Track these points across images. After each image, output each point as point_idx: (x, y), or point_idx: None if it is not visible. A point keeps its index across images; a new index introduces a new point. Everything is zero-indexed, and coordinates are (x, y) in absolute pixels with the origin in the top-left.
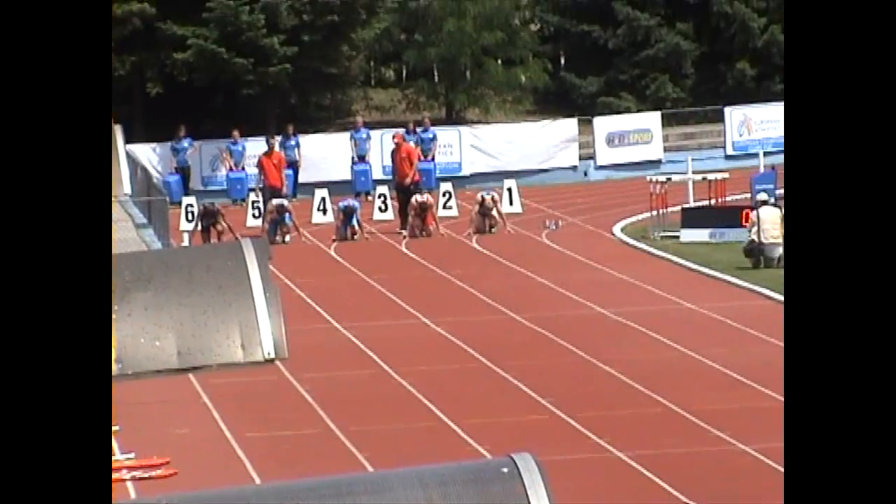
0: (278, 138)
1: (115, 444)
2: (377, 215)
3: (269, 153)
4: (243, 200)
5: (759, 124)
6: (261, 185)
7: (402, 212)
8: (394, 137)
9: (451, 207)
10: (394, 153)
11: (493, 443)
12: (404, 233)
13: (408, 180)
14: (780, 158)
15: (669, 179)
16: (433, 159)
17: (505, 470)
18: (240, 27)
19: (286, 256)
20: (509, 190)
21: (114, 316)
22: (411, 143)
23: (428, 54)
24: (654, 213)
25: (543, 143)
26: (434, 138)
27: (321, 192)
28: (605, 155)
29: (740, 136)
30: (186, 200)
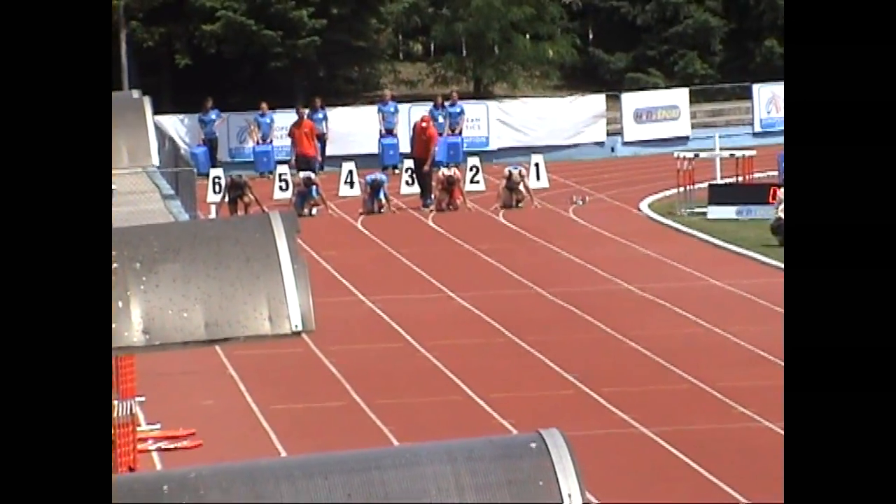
0: (307, 110)
1: (141, 415)
2: (404, 189)
3: (300, 123)
4: (270, 173)
5: None
6: (294, 158)
7: (421, 184)
8: (422, 120)
9: (478, 182)
10: (416, 129)
11: (518, 417)
12: (431, 207)
13: (423, 158)
14: None
15: (697, 156)
16: (460, 134)
17: (533, 445)
18: None
19: (313, 229)
20: (536, 165)
21: (142, 287)
22: (440, 119)
23: (456, 28)
24: (682, 189)
25: (571, 118)
26: (462, 113)
27: (348, 166)
28: (633, 131)
29: (768, 113)
30: (214, 172)
